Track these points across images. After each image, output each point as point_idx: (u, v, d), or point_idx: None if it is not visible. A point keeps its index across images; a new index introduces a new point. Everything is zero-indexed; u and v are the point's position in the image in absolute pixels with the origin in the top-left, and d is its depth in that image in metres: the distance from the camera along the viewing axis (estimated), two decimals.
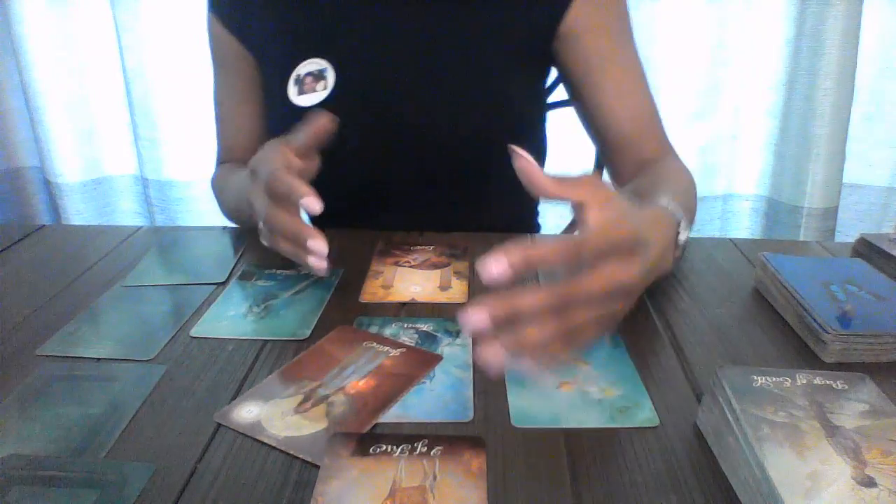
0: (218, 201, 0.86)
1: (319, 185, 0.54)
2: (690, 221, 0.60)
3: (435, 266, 0.66)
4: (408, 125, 0.68)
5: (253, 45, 0.80)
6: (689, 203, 0.66)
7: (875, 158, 1.29)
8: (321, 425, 0.43)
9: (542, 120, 0.86)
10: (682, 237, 0.55)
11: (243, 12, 0.80)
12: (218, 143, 0.89)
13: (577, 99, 0.80)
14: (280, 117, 0.76)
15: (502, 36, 0.76)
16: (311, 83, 0.74)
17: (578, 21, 0.75)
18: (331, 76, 0.74)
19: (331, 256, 0.54)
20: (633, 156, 0.77)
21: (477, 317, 0.37)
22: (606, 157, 0.81)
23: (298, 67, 0.75)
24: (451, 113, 0.74)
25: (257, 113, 0.84)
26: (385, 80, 0.75)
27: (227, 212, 0.84)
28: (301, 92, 0.75)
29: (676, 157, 0.78)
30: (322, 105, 0.74)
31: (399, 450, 0.40)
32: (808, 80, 1.16)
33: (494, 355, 0.38)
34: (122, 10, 1.29)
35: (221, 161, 0.89)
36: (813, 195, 1.22)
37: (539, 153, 0.87)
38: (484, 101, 0.75)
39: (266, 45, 0.79)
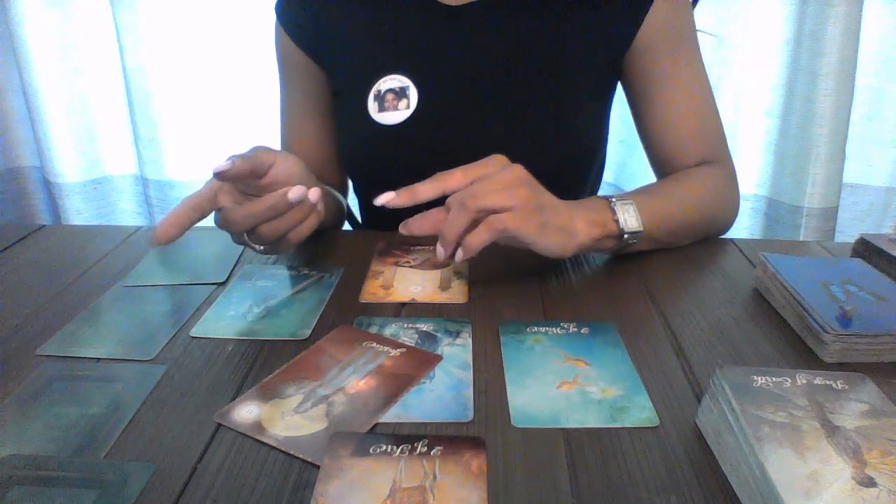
0: None
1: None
2: (657, 210, 0.65)
3: (435, 266, 0.65)
4: (478, 150, 0.61)
5: (324, 59, 0.79)
6: (664, 194, 0.70)
7: (875, 158, 1.29)
8: (321, 425, 0.43)
9: (604, 142, 0.85)
10: (619, 212, 0.62)
11: (315, 27, 0.78)
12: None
13: (633, 111, 0.81)
14: (358, 132, 0.75)
15: (579, 53, 0.75)
16: (393, 100, 0.73)
17: (650, 36, 0.75)
18: (413, 95, 0.73)
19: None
20: (672, 169, 0.78)
21: (385, 197, 0.56)
22: (652, 166, 0.82)
23: (379, 83, 0.74)
24: (522, 143, 0.72)
25: (321, 127, 0.84)
26: (464, 102, 0.74)
27: None
28: (382, 109, 0.73)
29: (715, 166, 0.77)
30: (402, 126, 0.73)
31: (399, 450, 0.40)
32: (808, 80, 1.16)
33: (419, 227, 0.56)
34: (122, 10, 1.29)
35: None
36: (813, 195, 1.21)
37: (597, 172, 0.88)
38: (555, 131, 0.75)
39: (341, 58, 0.77)
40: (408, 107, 0.73)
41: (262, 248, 0.59)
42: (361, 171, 0.82)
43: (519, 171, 0.57)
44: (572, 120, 0.76)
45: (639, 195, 0.65)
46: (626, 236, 0.62)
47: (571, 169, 0.78)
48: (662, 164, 0.79)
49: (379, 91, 0.74)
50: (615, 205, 0.62)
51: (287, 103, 0.85)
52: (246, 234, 0.57)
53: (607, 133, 0.85)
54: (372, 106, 0.74)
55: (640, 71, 0.76)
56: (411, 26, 0.75)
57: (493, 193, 0.54)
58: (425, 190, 0.56)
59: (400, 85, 0.73)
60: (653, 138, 0.79)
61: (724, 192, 0.76)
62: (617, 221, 0.62)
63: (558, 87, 0.75)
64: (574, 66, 0.76)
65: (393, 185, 0.57)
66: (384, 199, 0.56)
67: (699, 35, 0.77)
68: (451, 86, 0.74)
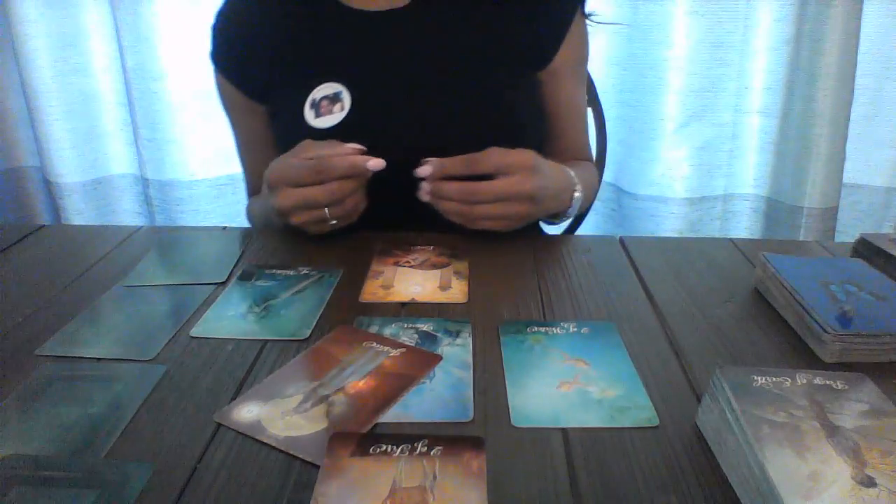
0: (252, 225, 0.91)
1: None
2: (587, 193, 0.79)
3: (435, 266, 0.66)
4: (421, 146, 0.68)
5: (255, 91, 0.83)
6: (587, 182, 0.81)
7: (875, 158, 1.29)
8: (321, 425, 0.43)
9: (543, 118, 0.89)
10: (577, 194, 0.75)
11: (242, 61, 0.83)
12: (245, 183, 0.96)
13: None
14: (296, 141, 0.76)
15: (506, 54, 0.80)
16: (328, 106, 0.76)
17: (563, 60, 0.83)
18: (346, 98, 0.76)
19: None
20: (554, 156, 0.89)
21: (424, 168, 0.66)
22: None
23: (314, 92, 0.77)
24: (462, 131, 0.77)
25: (272, 156, 0.87)
26: (399, 101, 0.77)
27: (259, 229, 0.87)
28: (318, 115, 0.76)
29: (592, 164, 0.95)
30: (340, 127, 0.75)
31: (399, 450, 0.40)
32: (808, 80, 1.16)
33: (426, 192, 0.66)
34: (122, 10, 1.29)
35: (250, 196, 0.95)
36: (813, 195, 1.21)
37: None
38: (493, 116, 0.79)
39: (276, 79, 0.81)
40: (342, 109, 0.76)
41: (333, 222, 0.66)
42: None
43: (530, 184, 0.66)
44: (510, 104, 0.80)
45: (581, 185, 0.76)
46: (559, 217, 0.77)
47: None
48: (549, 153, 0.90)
49: (314, 99, 0.77)
50: (573, 202, 0.75)
51: (238, 139, 0.91)
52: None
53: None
54: (309, 114, 0.77)
55: (550, 91, 0.85)
56: (337, 36, 0.79)
57: (493, 219, 0.67)
58: (453, 165, 0.65)
59: (333, 91, 0.77)
60: (549, 135, 0.89)
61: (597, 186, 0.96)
62: (566, 211, 0.76)
63: (491, 78, 0.79)
64: (503, 60, 0.80)
65: None
66: (424, 170, 0.66)
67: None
68: (382, 86, 0.77)
